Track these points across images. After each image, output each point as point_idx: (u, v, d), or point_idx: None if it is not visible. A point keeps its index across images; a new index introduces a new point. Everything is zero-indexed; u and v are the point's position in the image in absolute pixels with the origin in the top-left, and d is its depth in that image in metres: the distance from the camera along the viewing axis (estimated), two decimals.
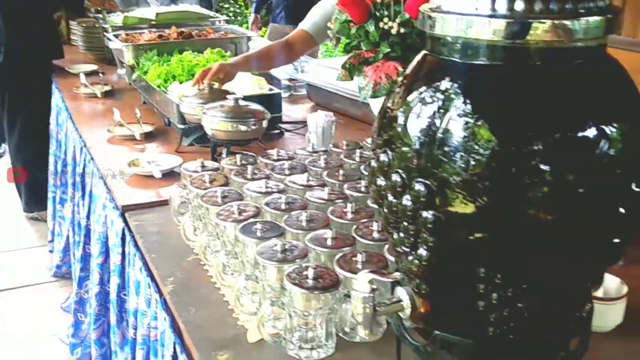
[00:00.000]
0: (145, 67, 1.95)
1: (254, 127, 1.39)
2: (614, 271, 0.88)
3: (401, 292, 0.61)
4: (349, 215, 0.99)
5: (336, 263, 0.84)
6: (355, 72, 1.35)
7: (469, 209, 0.51)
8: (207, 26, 2.43)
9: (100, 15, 2.64)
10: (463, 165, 0.51)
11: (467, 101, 0.51)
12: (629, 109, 0.52)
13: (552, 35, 0.49)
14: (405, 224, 0.56)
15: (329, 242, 0.89)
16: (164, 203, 1.24)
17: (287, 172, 1.18)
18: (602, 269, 0.56)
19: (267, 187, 1.10)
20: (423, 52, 0.58)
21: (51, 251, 2.39)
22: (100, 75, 2.34)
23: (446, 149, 0.52)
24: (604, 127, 0.50)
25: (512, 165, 0.50)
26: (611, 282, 0.84)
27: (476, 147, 0.50)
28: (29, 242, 2.65)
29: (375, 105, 1.29)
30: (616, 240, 0.53)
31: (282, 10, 3.56)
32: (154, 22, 2.45)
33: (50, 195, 2.35)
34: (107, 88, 2.21)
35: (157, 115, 1.85)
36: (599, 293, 0.81)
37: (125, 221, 1.25)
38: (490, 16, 0.50)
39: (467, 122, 0.51)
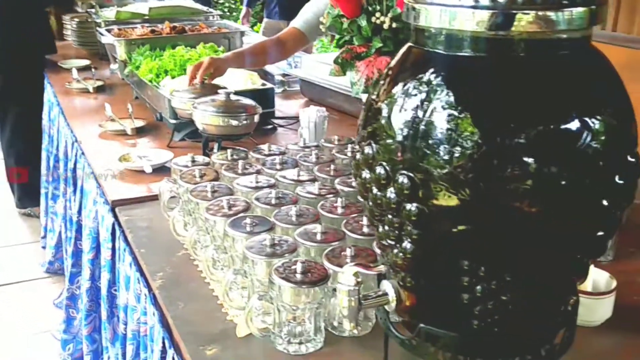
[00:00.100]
0: (138, 62, 1.94)
1: (245, 122, 1.38)
2: (603, 266, 0.88)
3: (387, 286, 0.61)
4: (339, 210, 0.98)
5: (325, 257, 0.84)
6: (347, 67, 1.35)
7: (453, 201, 0.51)
8: (200, 21, 2.41)
9: (93, 10, 2.62)
10: (446, 158, 0.50)
11: (451, 93, 0.51)
12: (613, 101, 0.52)
13: (535, 26, 0.49)
14: (389, 216, 0.56)
15: (318, 237, 0.89)
16: (155, 198, 1.23)
17: (278, 167, 1.18)
18: (587, 262, 0.56)
19: (257, 182, 1.09)
20: (408, 44, 0.58)
21: (44, 247, 2.38)
22: (93, 70, 2.32)
23: (429, 141, 0.51)
24: (587, 119, 0.50)
25: (495, 158, 0.50)
26: (600, 277, 0.84)
27: (459, 139, 0.50)
28: (22, 238, 2.64)
29: None
30: (600, 234, 0.53)
31: (276, 5, 3.55)
32: (146, 17, 2.43)
33: (42, 191, 2.34)
34: (100, 83, 2.20)
35: (149, 110, 1.84)
36: (588, 287, 0.81)
37: (115, 216, 1.24)
38: (474, 7, 0.50)
39: (450, 114, 0.51)
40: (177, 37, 2.12)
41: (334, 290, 0.80)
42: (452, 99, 0.51)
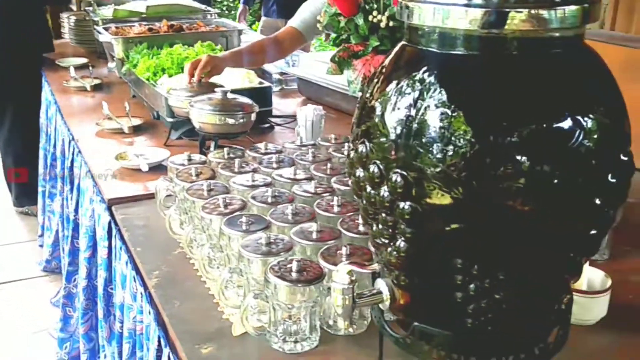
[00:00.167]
0: (135, 60, 1.93)
1: (242, 121, 1.38)
2: (599, 265, 0.89)
3: (381, 284, 0.61)
4: (335, 209, 0.98)
5: (320, 256, 0.84)
6: (344, 65, 1.35)
7: (446, 200, 0.51)
8: (198, 19, 2.41)
9: (91, 8, 2.62)
10: (439, 156, 0.50)
11: (444, 91, 0.51)
12: (606, 99, 0.52)
13: (528, 24, 0.49)
14: (383, 215, 0.56)
15: (314, 236, 0.89)
16: (151, 196, 1.23)
17: (274, 165, 1.18)
18: (580, 261, 0.56)
19: (253, 181, 1.09)
20: (402, 42, 0.58)
21: (41, 246, 2.38)
22: (90, 68, 2.32)
23: (423, 139, 0.51)
24: (580, 118, 0.50)
25: (488, 156, 0.50)
26: (595, 276, 0.84)
27: (452, 137, 0.50)
28: (19, 237, 2.63)
29: None
30: (593, 232, 0.53)
31: (273, 3, 3.55)
32: (144, 15, 2.43)
33: (40, 189, 2.34)
34: (97, 81, 2.19)
35: (146, 108, 1.84)
36: (583, 286, 0.81)
37: (111, 215, 1.24)
38: (467, 5, 0.50)
39: (443, 113, 0.50)
40: (174, 36, 2.11)
41: (330, 289, 0.80)
42: (445, 97, 0.51)
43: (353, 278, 0.59)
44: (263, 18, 3.71)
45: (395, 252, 0.56)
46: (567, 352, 0.63)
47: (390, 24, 1.25)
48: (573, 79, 0.52)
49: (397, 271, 0.58)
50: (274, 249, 0.86)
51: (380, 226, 0.57)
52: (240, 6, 4.02)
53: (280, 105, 1.89)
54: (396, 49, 0.59)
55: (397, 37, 1.26)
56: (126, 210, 1.23)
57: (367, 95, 0.58)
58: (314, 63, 1.94)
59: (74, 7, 2.93)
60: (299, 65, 2.09)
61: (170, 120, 1.59)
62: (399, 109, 0.53)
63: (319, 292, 0.80)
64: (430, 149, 0.51)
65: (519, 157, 0.49)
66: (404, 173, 0.52)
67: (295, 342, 0.81)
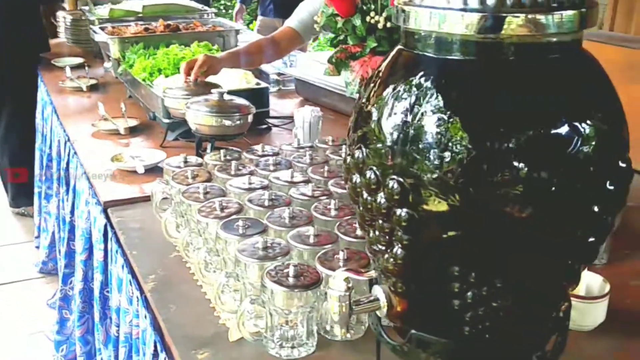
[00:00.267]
0: (131, 60, 1.92)
1: (238, 122, 1.37)
2: (597, 269, 0.88)
3: (378, 291, 0.60)
4: (333, 212, 0.98)
5: (318, 261, 0.83)
6: (342, 66, 1.34)
7: (443, 206, 0.51)
8: (194, 19, 2.40)
9: (87, 8, 2.60)
10: (436, 163, 0.50)
11: (440, 97, 0.50)
12: (604, 105, 0.52)
13: (525, 29, 0.48)
14: (380, 221, 0.55)
15: (311, 240, 0.88)
16: (147, 199, 1.23)
17: (271, 167, 1.17)
18: (578, 268, 0.56)
19: (250, 184, 1.08)
20: (398, 46, 0.57)
21: (37, 247, 2.37)
22: (86, 68, 2.30)
23: (419, 145, 0.51)
24: (577, 124, 0.49)
25: (485, 163, 0.49)
26: (594, 281, 0.83)
27: (449, 143, 0.49)
28: (16, 238, 2.62)
29: None
30: (591, 239, 0.53)
31: (270, 3, 3.53)
32: (140, 15, 2.41)
33: (36, 190, 2.33)
34: (93, 82, 2.18)
35: (142, 109, 1.83)
36: (581, 291, 0.81)
37: (107, 217, 1.23)
38: (463, 10, 0.49)
39: (440, 118, 0.50)
40: (171, 35, 2.10)
41: (327, 294, 0.80)
42: (441, 103, 0.50)
43: (350, 285, 0.59)
44: (260, 17, 3.70)
45: (392, 259, 0.55)
46: (564, 358, 0.62)
47: (388, 25, 1.24)
48: (571, 85, 0.51)
49: (394, 278, 0.57)
50: (271, 253, 0.85)
51: (377, 233, 0.56)
52: (237, 5, 4.00)
53: (277, 106, 1.88)
54: (392, 53, 0.58)
55: (395, 38, 1.25)
56: (122, 213, 1.22)
57: (364, 100, 0.57)
58: (311, 63, 1.93)
59: (66, 6, 2.91)
60: (296, 65, 2.08)
61: (167, 121, 1.58)
62: (395, 114, 0.53)
63: (316, 297, 0.79)
64: (427, 155, 0.51)
65: (516, 164, 0.49)
66: (401, 179, 0.52)
67: (292, 347, 0.80)
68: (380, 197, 0.54)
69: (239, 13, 3.94)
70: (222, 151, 1.24)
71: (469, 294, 0.53)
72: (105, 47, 2.20)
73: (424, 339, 0.58)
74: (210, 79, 1.60)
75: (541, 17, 0.48)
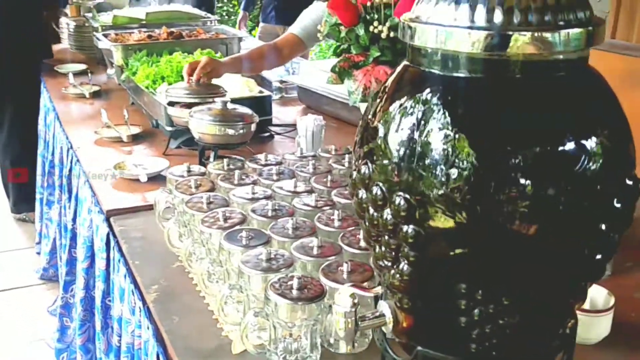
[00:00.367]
0: (134, 67, 1.93)
1: (242, 131, 1.37)
2: (601, 282, 0.88)
3: (384, 306, 0.60)
4: (336, 223, 0.98)
5: (321, 273, 0.83)
6: (345, 75, 1.34)
7: (449, 223, 0.50)
8: (197, 26, 2.40)
9: (90, 15, 2.61)
10: (442, 179, 0.50)
11: (447, 114, 0.50)
12: (610, 122, 0.52)
13: (531, 47, 0.48)
14: (386, 237, 0.55)
15: (315, 251, 0.88)
16: (150, 207, 1.22)
17: (275, 177, 1.17)
18: (585, 285, 0.56)
19: (253, 193, 1.08)
20: (404, 62, 0.57)
21: (38, 253, 2.36)
22: (89, 74, 2.31)
23: (426, 162, 0.51)
24: (584, 141, 0.49)
25: (492, 180, 0.49)
26: (598, 294, 0.83)
27: (455, 160, 0.49)
28: (17, 244, 2.62)
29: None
30: (598, 257, 0.53)
31: (272, 9, 3.54)
32: (144, 22, 2.42)
33: (37, 196, 2.32)
34: (96, 88, 2.19)
35: (145, 116, 1.83)
36: (585, 305, 0.80)
37: (110, 226, 1.23)
38: (470, 28, 0.49)
39: (446, 135, 0.50)
40: (174, 43, 2.11)
41: (330, 306, 0.80)
42: (448, 119, 0.50)
43: (356, 301, 0.58)
44: (261, 24, 3.71)
45: (398, 275, 0.55)
46: None
47: (391, 34, 1.25)
48: (577, 102, 0.51)
49: (400, 294, 0.57)
50: (275, 265, 0.85)
51: (383, 248, 0.56)
52: (241, 12, 4.02)
53: (280, 113, 1.88)
54: (398, 69, 0.58)
55: (398, 47, 1.25)
56: (124, 222, 1.22)
57: (370, 115, 0.57)
58: (314, 71, 1.93)
59: (69, 13, 2.92)
60: (298, 73, 2.09)
61: (170, 129, 1.59)
62: (402, 130, 0.53)
63: (320, 310, 0.79)
64: (434, 172, 0.50)
65: (523, 181, 0.49)
66: (407, 196, 0.52)
67: None
68: (387, 213, 0.54)
69: (243, 21, 3.95)
70: (225, 160, 1.24)
71: (476, 311, 0.53)
72: (108, 54, 2.20)
73: (430, 355, 0.58)
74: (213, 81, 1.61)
75: (548, 35, 0.48)
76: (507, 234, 0.50)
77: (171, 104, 1.55)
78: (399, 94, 0.55)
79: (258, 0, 3.96)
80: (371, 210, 0.56)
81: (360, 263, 0.85)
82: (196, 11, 2.64)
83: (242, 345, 0.82)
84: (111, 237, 1.21)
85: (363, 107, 1.34)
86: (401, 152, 0.52)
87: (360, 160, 0.57)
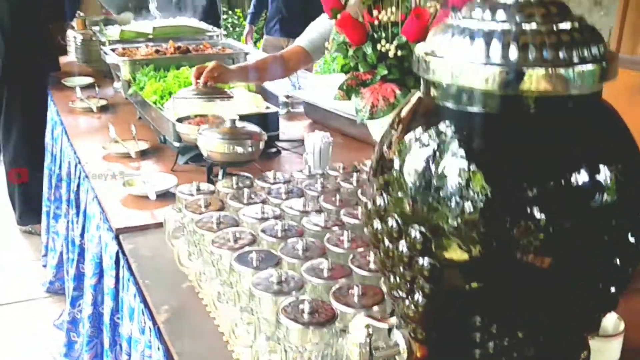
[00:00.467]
0: (142, 82, 1.95)
1: (250, 149, 1.38)
2: None
3: (398, 336, 0.60)
4: (346, 244, 0.98)
5: (332, 296, 0.83)
6: (352, 93, 1.35)
7: (464, 256, 0.51)
8: (204, 40, 2.43)
9: (97, 28, 2.64)
10: (457, 213, 0.50)
11: (462, 148, 0.51)
12: (624, 157, 0.52)
13: (546, 84, 0.49)
14: (401, 269, 0.56)
15: (325, 273, 0.89)
16: (159, 225, 1.23)
17: (283, 196, 1.18)
18: (599, 317, 0.56)
19: (263, 213, 1.09)
20: (418, 94, 0.58)
21: (44, 266, 2.37)
22: (96, 88, 2.33)
23: (440, 195, 0.51)
24: (598, 176, 0.50)
25: (507, 214, 0.49)
26: (608, 318, 0.83)
27: (470, 194, 0.50)
28: (23, 256, 2.62)
29: (373, 126, 1.29)
30: (612, 290, 0.53)
31: (276, 22, 3.57)
32: (151, 36, 2.45)
33: (44, 209, 2.34)
34: (103, 102, 2.21)
35: (152, 131, 1.85)
36: None
37: (119, 244, 1.24)
38: (485, 64, 0.50)
39: (461, 170, 0.50)
40: (181, 58, 2.13)
41: (342, 330, 0.80)
42: (463, 154, 0.51)
43: (370, 331, 0.59)
44: (265, 36, 3.73)
45: (413, 306, 0.56)
46: None
47: (399, 53, 1.26)
48: (590, 137, 0.52)
49: (415, 324, 0.57)
50: (285, 287, 0.85)
51: (398, 279, 0.57)
52: (247, 27, 4.04)
53: (286, 128, 1.89)
54: (413, 101, 0.59)
55: (405, 66, 1.27)
56: (134, 240, 1.23)
57: (384, 147, 0.58)
58: (320, 86, 1.95)
59: (75, 26, 2.95)
60: (305, 88, 2.10)
61: (177, 145, 1.60)
62: (416, 163, 0.53)
63: (331, 335, 0.79)
64: (449, 205, 0.51)
65: (537, 215, 0.49)
66: (423, 229, 0.52)
67: None
68: (402, 246, 0.54)
69: (249, 34, 3.98)
70: (234, 178, 1.25)
71: (490, 344, 0.53)
72: (115, 68, 2.23)
73: None
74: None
75: (562, 72, 0.49)
76: (522, 268, 0.50)
77: (180, 120, 1.57)
78: (413, 125, 0.56)
79: (263, 13, 3.99)
80: (386, 242, 0.56)
81: (371, 286, 0.86)
82: (202, 25, 2.67)
83: None
84: (120, 256, 1.22)
85: (370, 124, 1.35)
86: (417, 185, 0.53)
87: (375, 191, 0.58)
